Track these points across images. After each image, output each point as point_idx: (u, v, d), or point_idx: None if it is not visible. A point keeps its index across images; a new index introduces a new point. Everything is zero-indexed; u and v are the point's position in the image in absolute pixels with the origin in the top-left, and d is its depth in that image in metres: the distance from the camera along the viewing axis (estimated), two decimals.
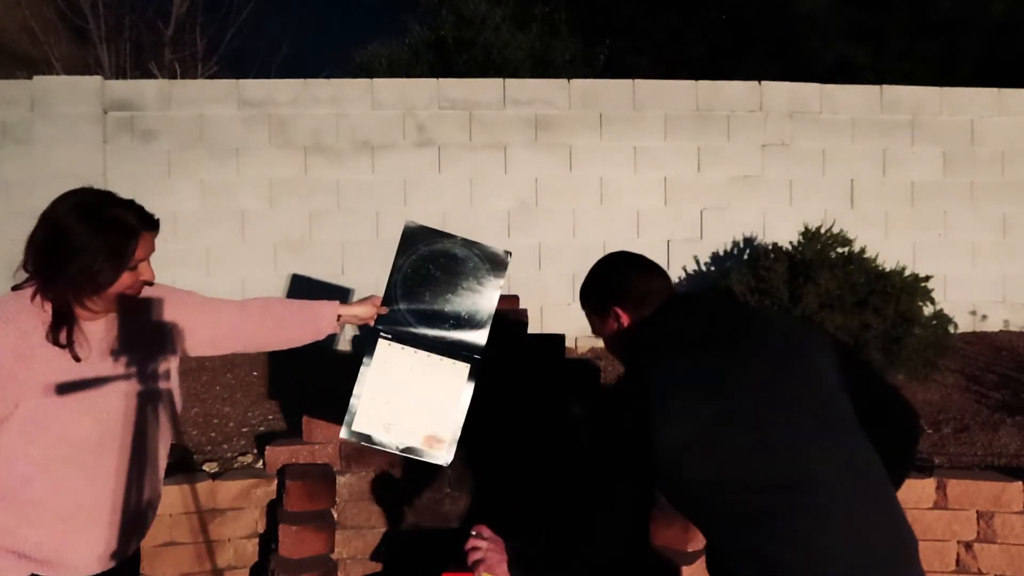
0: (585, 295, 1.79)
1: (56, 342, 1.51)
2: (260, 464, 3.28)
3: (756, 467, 1.38)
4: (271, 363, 4.56)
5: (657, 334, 1.57)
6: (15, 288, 1.57)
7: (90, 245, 1.51)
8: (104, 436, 1.57)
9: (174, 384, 1.75)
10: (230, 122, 5.04)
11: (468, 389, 2.07)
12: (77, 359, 1.53)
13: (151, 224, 1.62)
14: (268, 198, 5.06)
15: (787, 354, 1.52)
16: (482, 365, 2.07)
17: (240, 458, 3.40)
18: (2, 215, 4.68)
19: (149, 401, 1.65)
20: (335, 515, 2.96)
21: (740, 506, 1.38)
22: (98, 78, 5.08)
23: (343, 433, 2.02)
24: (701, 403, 1.42)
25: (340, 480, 2.98)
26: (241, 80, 5.19)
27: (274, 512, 3.01)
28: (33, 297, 1.53)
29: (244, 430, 3.77)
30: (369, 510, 2.99)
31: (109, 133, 4.93)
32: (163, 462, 1.76)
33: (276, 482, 3.06)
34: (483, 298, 2.10)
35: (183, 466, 3.22)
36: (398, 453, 2.04)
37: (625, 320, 1.66)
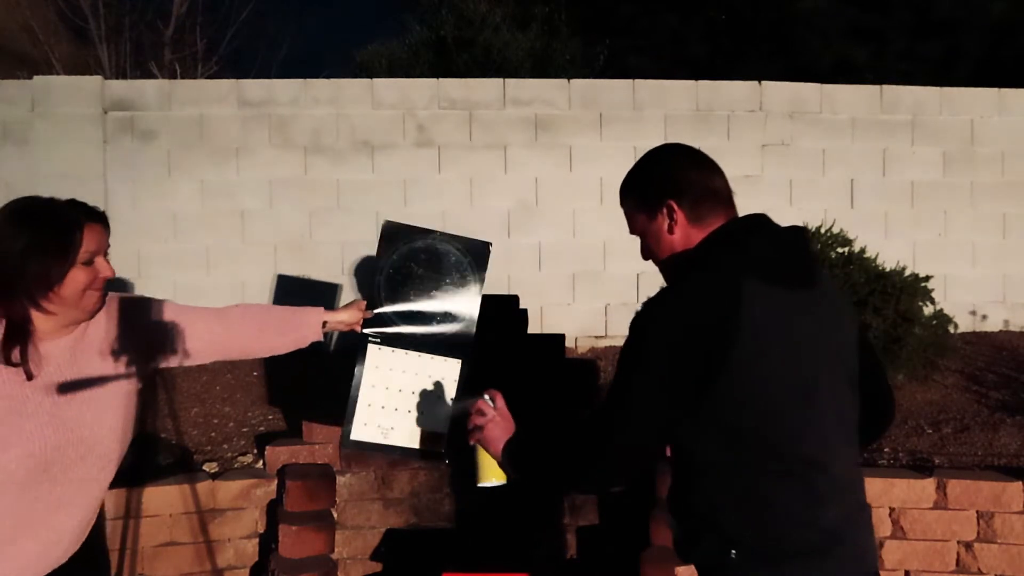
0: (632, 186, 1.54)
1: (7, 360, 1.44)
2: (260, 464, 3.28)
3: (796, 423, 1.33)
4: (271, 363, 4.56)
5: (741, 254, 1.37)
6: None
7: (33, 245, 1.44)
8: (33, 469, 1.47)
9: (132, 405, 1.65)
10: (230, 122, 5.04)
11: (461, 383, 2.07)
12: (30, 376, 1.46)
13: (95, 216, 1.55)
14: (268, 198, 5.06)
15: (836, 318, 1.45)
16: (474, 358, 2.06)
17: (240, 458, 3.40)
18: None
19: (95, 431, 1.56)
20: (335, 515, 2.96)
21: (763, 460, 1.31)
22: (98, 78, 5.08)
23: (343, 444, 2.03)
24: (783, 333, 1.32)
25: (340, 480, 2.98)
26: (241, 80, 5.18)
27: (274, 512, 3.01)
28: None
29: (244, 430, 3.77)
30: (369, 510, 2.99)
31: (109, 133, 4.93)
32: (104, 485, 1.65)
33: (276, 482, 3.06)
34: (468, 291, 2.09)
35: (183, 466, 3.22)
36: (399, 456, 2.06)
37: (679, 217, 1.45)
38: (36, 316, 1.49)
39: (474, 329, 2.09)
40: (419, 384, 2.07)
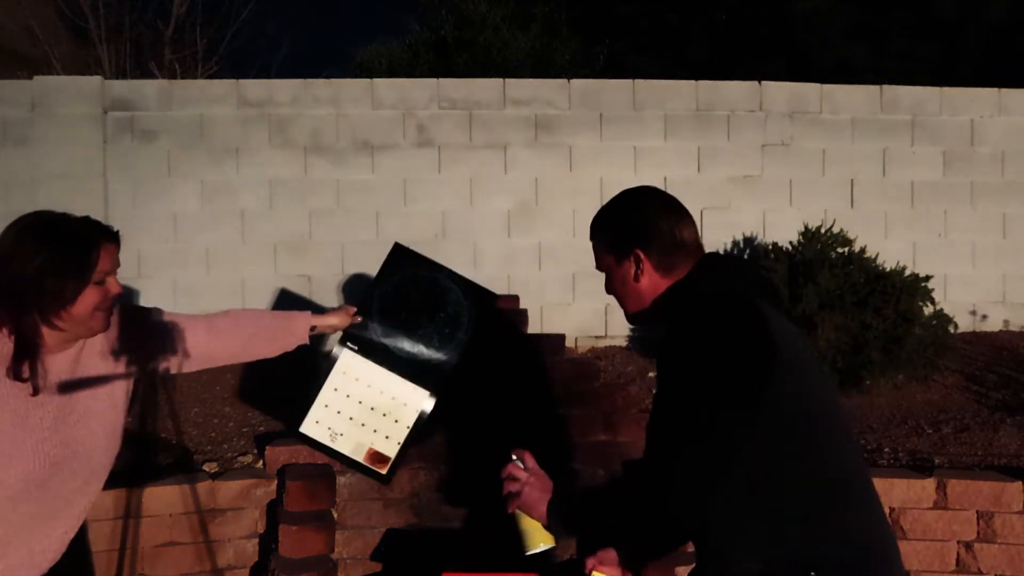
0: (602, 228, 1.56)
1: (17, 376, 1.44)
2: (260, 464, 3.28)
3: (834, 434, 1.33)
4: (271, 363, 4.55)
5: (734, 281, 1.41)
6: None
7: (49, 264, 1.44)
8: (29, 484, 1.48)
9: (122, 417, 1.65)
10: (230, 122, 5.04)
11: (423, 415, 2.04)
12: (36, 391, 1.46)
13: (110, 235, 1.56)
14: (268, 198, 5.06)
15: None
16: (444, 396, 2.04)
17: (240, 458, 3.39)
18: (2, 215, 4.66)
19: (88, 445, 1.57)
20: (335, 515, 2.96)
21: (813, 474, 1.27)
22: (98, 78, 5.08)
23: (291, 432, 2.03)
24: (796, 350, 1.33)
25: (340, 480, 2.98)
26: (241, 80, 5.18)
27: (274, 512, 3.01)
28: (0, 328, 1.46)
29: (244, 430, 3.77)
30: (369, 510, 2.99)
31: (109, 133, 4.92)
32: (92, 497, 1.65)
33: (276, 482, 3.06)
34: (457, 332, 2.06)
35: (183, 466, 3.22)
36: (339, 461, 2.04)
37: (646, 267, 1.46)
38: (43, 331, 1.49)
39: (451, 370, 2.06)
40: (380, 401, 2.04)
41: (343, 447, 2.03)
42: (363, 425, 2.04)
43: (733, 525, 1.28)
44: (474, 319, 2.07)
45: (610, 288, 1.57)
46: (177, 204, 4.94)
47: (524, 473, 1.49)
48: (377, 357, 2.04)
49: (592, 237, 1.59)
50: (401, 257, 2.08)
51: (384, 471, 2.04)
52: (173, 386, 4.08)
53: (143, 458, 3.11)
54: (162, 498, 2.93)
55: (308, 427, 2.02)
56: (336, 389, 2.03)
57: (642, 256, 1.46)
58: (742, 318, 1.31)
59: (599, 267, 1.59)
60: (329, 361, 2.04)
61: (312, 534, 2.80)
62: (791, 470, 1.26)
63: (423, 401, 2.05)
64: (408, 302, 2.06)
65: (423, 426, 2.05)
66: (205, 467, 3.27)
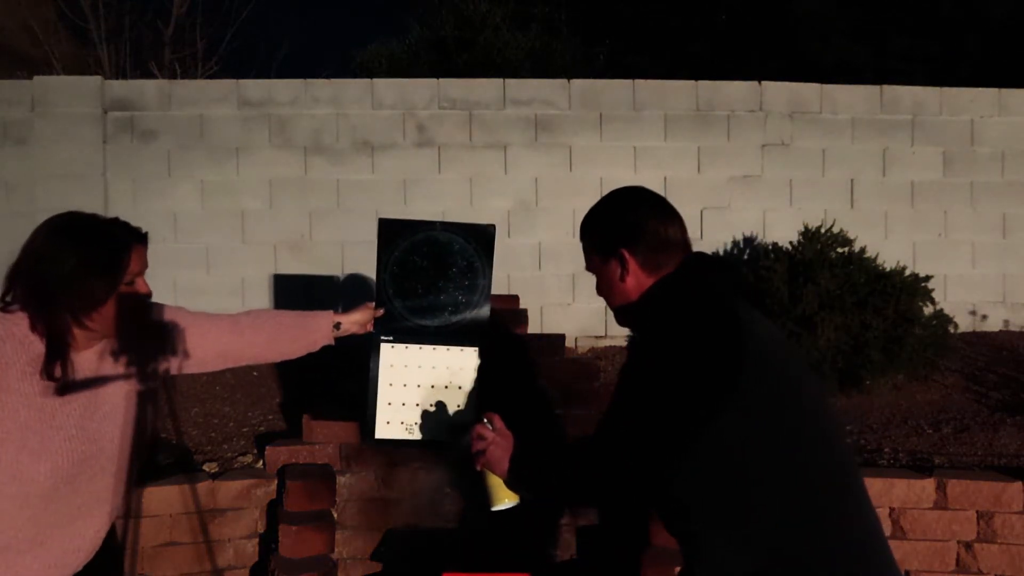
0: (590, 228, 1.57)
1: (50, 376, 1.45)
2: (260, 464, 3.28)
3: (825, 432, 1.34)
4: (271, 363, 4.56)
5: (716, 281, 1.42)
6: (3, 310, 1.49)
7: (82, 266, 1.46)
8: (59, 482, 1.48)
9: (144, 413, 1.66)
10: (230, 122, 5.04)
11: (482, 370, 2.07)
12: (65, 390, 1.47)
13: (140, 237, 1.57)
14: (268, 198, 5.06)
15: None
16: (490, 344, 2.06)
17: (240, 458, 3.39)
18: (2, 215, 4.67)
19: (115, 442, 1.58)
20: (335, 515, 2.96)
21: (815, 474, 1.28)
22: (98, 78, 5.08)
23: (366, 443, 2.03)
24: (778, 349, 1.34)
25: (340, 480, 2.98)
26: (241, 80, 5.18)
27: (274, 512, 3.01)
28: (32, 328, 1.46)
29: (244, 430, 3.77)
30: (369, 510, 2.99)
31: (109, 133, 4.92)
32: (121, 494, 1.66)
33: (276, 482, 3.06)
34: (477, 276, 2.07)
35: (183, 466, 3.22)
36: (432, 449, 2.05)
37: (631, 266, 1.46)
38: (74, 331, 1.50)
39: (487, 315, 2.07)
40: (438, 377, 2.05)
41: (425, 435, 2.04)
42: (431, 406, 2.05)
43: (722, 525, 1.29)
44: (485, 258, 2.07)
45: (599, 290, 1.59)
46: (177, 204, 4.94)
47: (491, 433, 1.54)
48: (414, 338, 2.03)
49: (581, 237, 1.60)
50: (391, 230, 2.06)
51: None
52: (173, 386, 4.08)
53: (143, 458, 3.11)
54: (162, 498, 2.93)
55: (382, 431, 2.02)
56: (391, 384, 2.03)
57: (627, 256, 1.47)
58: (714, 319, 1.31)
59: (588, 267, 1.60)
60: (373, 362, 2.03)
61: (312, 534, 2.81)
62: (777, 471, 1.27)
63: (475, 358, 2.07)
64: (418, 272, 2.05)
65: (485, 380, 2.06)
66: (205, 467, 3.27)
